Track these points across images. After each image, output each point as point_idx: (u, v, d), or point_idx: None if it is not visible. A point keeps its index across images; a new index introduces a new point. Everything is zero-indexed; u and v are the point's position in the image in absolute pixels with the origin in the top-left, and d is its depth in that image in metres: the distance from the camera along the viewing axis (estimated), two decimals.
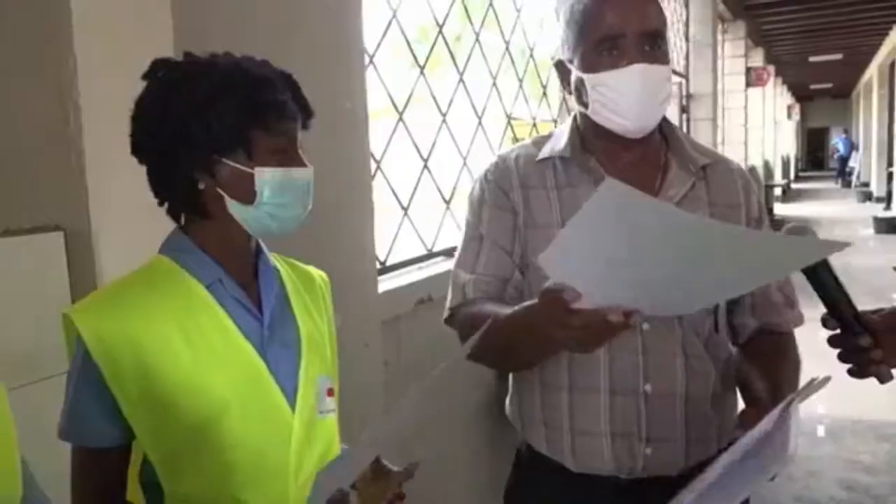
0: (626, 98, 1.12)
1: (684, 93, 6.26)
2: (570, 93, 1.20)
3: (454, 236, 2.70)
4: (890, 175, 12.16)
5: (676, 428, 1.16)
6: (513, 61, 3.22)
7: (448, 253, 2.57)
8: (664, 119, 1.24)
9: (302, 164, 0.93)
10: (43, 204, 1.24)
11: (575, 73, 1.15)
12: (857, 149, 18.96)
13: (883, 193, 12.72)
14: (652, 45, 1.12)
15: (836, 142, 22.32)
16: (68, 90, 1.19)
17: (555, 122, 3.81)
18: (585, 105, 1.16)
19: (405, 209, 2.37)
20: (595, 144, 1.20)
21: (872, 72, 14.86)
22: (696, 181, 1.21)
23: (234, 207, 0.92)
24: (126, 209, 1.26)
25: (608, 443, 1.16)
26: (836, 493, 2.92)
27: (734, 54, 9.19)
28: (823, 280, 0.98)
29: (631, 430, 1.15)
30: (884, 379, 0.99)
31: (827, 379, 0.89)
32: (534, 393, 1.23)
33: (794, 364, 1.21)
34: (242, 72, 0.90)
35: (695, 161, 1.22)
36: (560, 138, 1.23)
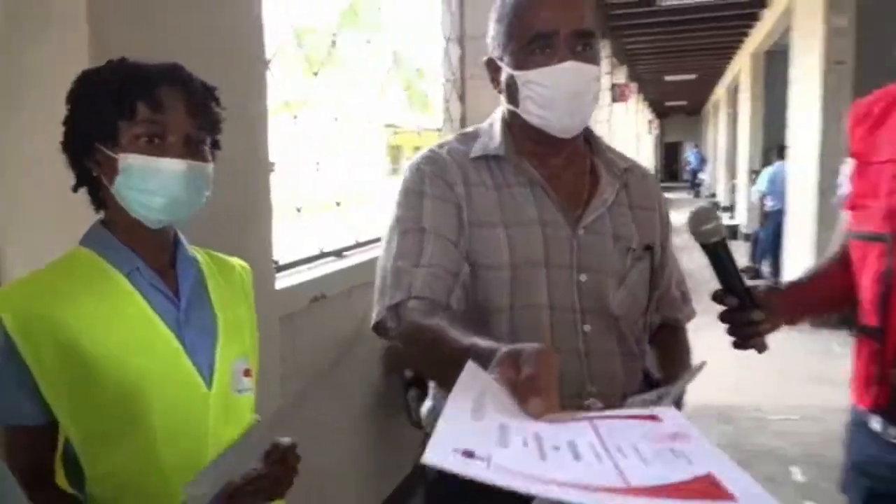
0: (557, 96, 1.11)
1: None
2: (500, 91, 1.18)
3: (344, 238, 2.78)
4: (734, 186, 13.30)
5: None
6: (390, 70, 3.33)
7: (338, 253, 2.66)
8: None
9: (177, 156, 0.98)
10: None
11: (506, 71, 1.14)
12: (706, 162, 20.57)
13: (728, 203, 13.85)
14: (584, 45, 1.11)
15: (689, 155, 24.13)
16: None
17: (438, 131, 3.97)
18: (516, 103, 1.14)
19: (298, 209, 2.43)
20: (525, 145, 1.19)
21: (721, 91, 16.17)
22: (620, 187, 1.23)
23: (113, 192, 0.99)
24: (32, 220, 1.29)
25: None
26: None
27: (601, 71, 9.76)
28: (722, 259, 1.14)
29: None
30: (762, 349, 1.18)
31: (703, 364, 0.99)
32: None
33: (689, 354, 1.29)
34: (128, 69, 1.00)
35: (617, 165, 1.25)
36: (492, 137, 1.21)
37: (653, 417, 0.71)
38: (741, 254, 8.67)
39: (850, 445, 1.34)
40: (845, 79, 5.52)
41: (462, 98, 3.98)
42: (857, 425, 1.31)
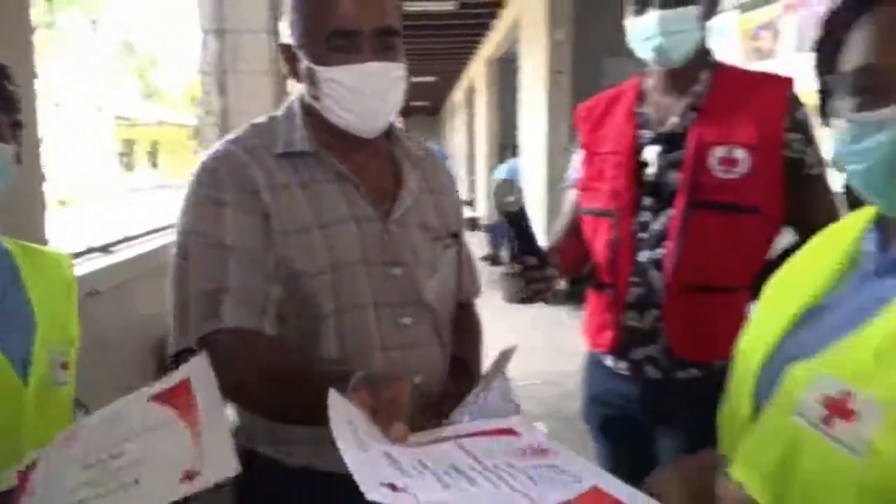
0: (362, 98, 1.07)
1: None
2: (299, 81, 1.13)
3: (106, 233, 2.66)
4: (473, 182, 14.39)
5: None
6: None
7: (104, 249, 2.54)
8: None
9: None
10: None
11: (305, 63, 1.08)
12: (447, 158, 21.92)
13: (468, 197, 14.93)
14: (388, 43, 1.07)
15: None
16: None
17: (193, 125, 3.88)
18: (317, 99, 1.10)
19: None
20: (327, 139, 1.13)
21: (459, 94, 17.36)
22: (420, 176, 1.22)
23: None
24: None
25: None
26: None
27: None
28: (522, 224, 1.32)
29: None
30: (549, 301, 1.39)
31: (514, 348, 1.01)
32: None
33: (478, 330, 1.35)
34: None
35: (415, 153, 1.24)
36: (292, 130, 1.13)
37: (509, 431, 0.74)
38: (482, 243, 9.47)
39: (588, 382, 1.66)
40: (565, 86, 6.33)
41: (223, 92, 3.93)
42: (593, 365, 1.63)
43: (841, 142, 0.76)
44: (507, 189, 1.31)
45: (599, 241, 1.54)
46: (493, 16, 9.30)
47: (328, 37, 1.05)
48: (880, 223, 0.79)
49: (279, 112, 1.18)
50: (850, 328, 0.72)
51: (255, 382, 1.00)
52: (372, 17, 1.05)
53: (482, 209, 11.95)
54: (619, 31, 1.51)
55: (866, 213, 0.83)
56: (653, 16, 1.40)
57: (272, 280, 1.06)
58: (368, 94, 1.08)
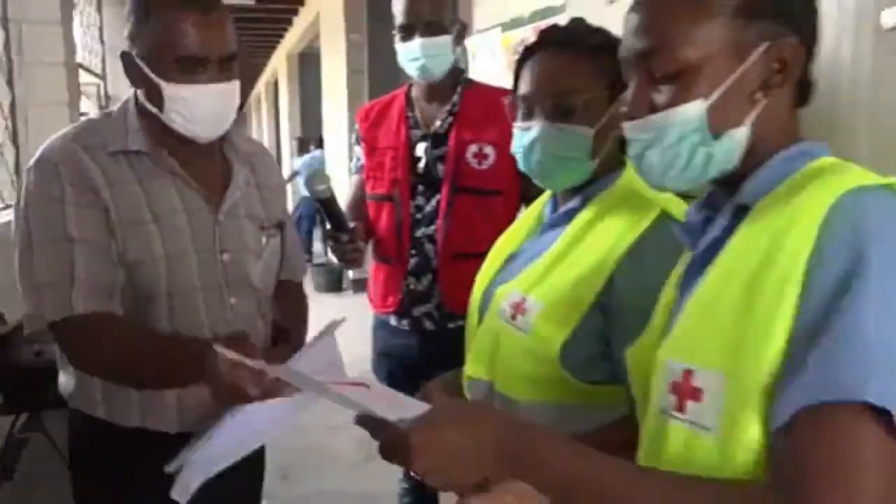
0: (206, 114, 1.22)
1: (103, 93, 6.48)
2: (136, 86, 1.25)
3: None
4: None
5: None
6: None
7: None
8: None
9: None
10: None
11: (150, 76, 1.20)
12: None
13: None
14: (229, 66, 1.23)
15: None
16: None
17: None
18: (160, 108, 1.22)
19: None
20: (161, 139, 1.26)
21: (261, 87, 17.14)
22: (249, 171, 1.38)
23: None
24: None
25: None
26: None
27: None
28: (333, 205, 1.62)
29: None
30: (360, 266, 1.69)
31: (342, 320, 1.21)
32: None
33: (305, 305, 1.51)
34: None
35: (243, 149, 1.39)
36: (128, 131, 1.25)
37: (363, 384, 0.89)
38: None
39: (375, 340, 2.02)
40: (363, 84, 6.66)
41: (10, 83, 3.80)
42: (379, 325, 1.99)
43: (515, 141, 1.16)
44: (319, 178, 1.64)
45: (383, 221, 1.89)
46: (293, 12, 9.42)
47: (178, 59, 1.18)
48: (553, 195, 1.21)
49: (112, 110, 1.31)
50: (529, 262, 1.14)
51: (113, 358, 1.18)
52: (218, 46, 1.21)
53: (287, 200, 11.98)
54: None
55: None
56: (416, 42, 1.77)
57: (117, 269, 1.21)
58: (212, 112, 1.24)
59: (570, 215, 1.14)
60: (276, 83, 14.24)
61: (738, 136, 0.74)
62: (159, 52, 1.19)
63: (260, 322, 1.38)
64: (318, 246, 8.69)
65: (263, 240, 1.38)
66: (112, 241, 1.20)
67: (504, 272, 1.21)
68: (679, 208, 1.06)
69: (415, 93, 1.92)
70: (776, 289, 0.65)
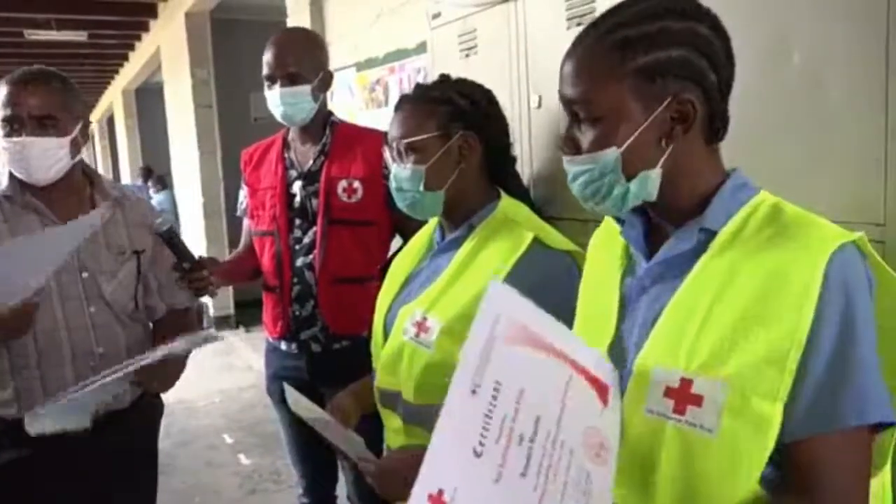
0: (20, 163, 1.55)
1: None
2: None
3: None
4: None
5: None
6: None
7: None
8: (86, 164, 1.71)
9: None
10: None
11: None
12: None
13: None
14: (46, 124, 1.53)
15: None
16: None
17: None
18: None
19: None
20: (29, 185, 1.59)
21: (94, 124, 16.25)
22: (115, 209, 1.68)
23: None
24: None
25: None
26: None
27: None
28: (174, 240, 1.69)
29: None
30: (213, 295, 1.78)
31: (216, 337, 1.50)
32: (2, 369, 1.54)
33: (191, 325, 1.80)
34: None
35: (110, 193, 1.70)
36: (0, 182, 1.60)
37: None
38: None
39: (268, 364, 2.12)
40: (211, 118, 6.61)
41: None
42: (272, 350, 2.10)
43: None
44: (157, 216, 1.73)
45: (266, 254, 2.02)
46: (129, 47, 9.12)
47: (4, 119, 1.53)
48: (440, 224, 1.42)
49: None
50: (426, 284, 1.34)
51: None
52: (32, 107, 1.53)
53: None
54: (260, 70, 1.98)
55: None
56: (276, 91, 1.93)
57: None
58: (24, 160, 1.54)
59: (457, 242, 1.35)
60: (110, 119, 13.60)
61: (652, 177, 0.87)
62: None
63: (119, 329, 1.67)
64: None
65: (119, 263, 1.67)
66: None
67: (403, 293, 1.40)
68: (550, 235, 1.29)
69: (290, 135, 2.06)
70: (789, 317, 0.76)
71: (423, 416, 1.28)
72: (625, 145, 0.85)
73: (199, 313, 1.96)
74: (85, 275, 1.63)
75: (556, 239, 1.30)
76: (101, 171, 15.62)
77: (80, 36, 7.80)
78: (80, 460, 1.60)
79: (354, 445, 1.22)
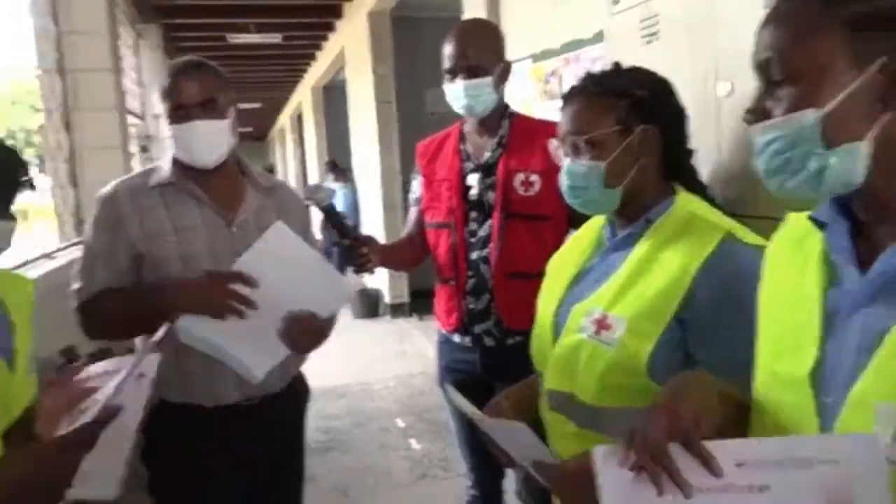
0: (190, 143, 1.65)
1: (143, 134, 6.74)
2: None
3: None
4: None
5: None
6: None
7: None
8: (239, 156, 1.79)
9: None
10: None
11: (164, 122, 1.68)
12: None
13: None
14: (210, 108, 1.65)
15: None
16: None
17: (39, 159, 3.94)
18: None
19: None
20: (190, 172, 1.70)
21: (285, 119, 17.51)
22: (266, 197, 1.77)
23: None
24: None
25: (234, 378, 1.67)
26: (317, 436, 3.94)
27: None
28: (333, 214, 1.77)
29: None
30: (371, 272, 1.86)
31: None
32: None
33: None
34: None
35: (262, 184, 1.79)
36: (163, 170, 1.72)
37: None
38: None
39: (440, 355, 2.15)
40: (391, 114, 6.88)
41: (68, 127, 4.03)
42: (444, 341, 2.13)
43: None
44: (316, 189, 1.82)
45: (441, 246, 2.04)
46: (317, 47, 9.70)
47: (172, 109, 1.65)
48: (610, 220, 1.35)
49: (159, 162, 1.77)
50: (601, 281, 1.28)
51: (107, 314, 1.66)
52: (194, 95, 1.65)
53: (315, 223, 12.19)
54: (436, 64, 2.01)
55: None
56: (459, 84, 1.93)
57: (124, 276, 1.66)
58: (194, 141, 1.66)
59: (633, 238, 1.28)
60: (300, 116, 14.57)
61: (860, 150, 0.73)
62: (165, 104, 1.66)
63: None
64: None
65: None
66: (122, 255, 1.65)
67: (573, 292, 1.34)
68: (741, 230, 1.21)
69: (466, 128, 2.08)
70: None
71: (601, 420, 1.23)
72: (827, 108, 0.73)
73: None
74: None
75: (749, 234, 1.21)
76: (290, 165, 16.86)
77: (276, 38, 8.40)
78: (235, 442, 1.71)
79: (528, 447, 1.18)
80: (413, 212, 2.19)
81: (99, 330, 1.72)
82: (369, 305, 7.16)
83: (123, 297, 1.65)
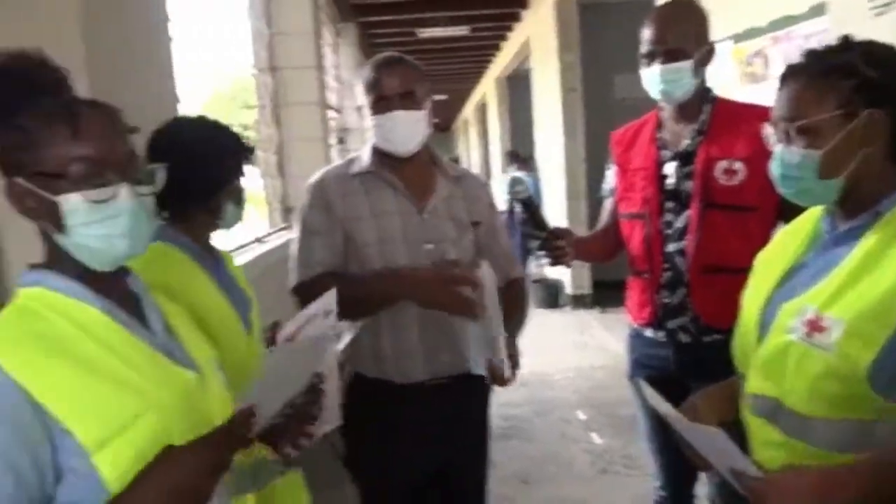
0: (391, 132, 1.74)
1: (340, 126, 7.17)
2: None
3: None
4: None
5: (466, 344, 1.77)
6: None
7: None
8: (430, 146, 1.86)
9: None
10: None
11: (367, 114, 1.77)
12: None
13: None
14: (409, 99, 1.73)
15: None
16: None
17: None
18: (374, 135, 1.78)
19: None
20: (386, 161, 1.79)
21: (469, 110, 17.87)
22: (454, 185, 1.85)
23: None
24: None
25: (422, 358, 1.76)
26: (498, 423, 3.99)
27: None
28: (531, 208, 1.79)
29: (436, 347, 1.76)
30: (568, 265, 1.85)
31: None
32: (363, 335, 1.73)
33: (522, 297, 1.95)
34: None
35: (450, 173, 1.86)
36: (363, 159, 1.82)
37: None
38: None
39: (631, 349, 2.08)
40: (577, 102, 6.77)
41: (277, 122, 4.39)
42: (635, 336, 2.06)
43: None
44: (517, 183, 1.86)
45: (635, 238, 1.97)
46: (502, 38, 9.77)
47: (375, 100, 1.74)
48: (829, 211, 1.23)
49: (359, 152, 1.87)
50: (817, 278, 1.17)
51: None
52: (396, 86, 1.73)
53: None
54: (626, 50, 1.94)
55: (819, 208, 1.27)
56: (656, 68, 1.85)
57: (338, 254, 1.76)
58: (395, 130, 1.74)
59: (856, 232, 1.15)
60: (483, 106, 14.78)
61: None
62: (367, 96, 1.76)
63: None
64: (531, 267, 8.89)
65: (460, 233, 1.81)
66: (335, 234, 1.75)
67: (784, 289, 1.23)
68: None
69: (664, 114, 1.98)
70: None
71: (811, 431, 1.12)
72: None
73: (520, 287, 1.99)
74: (430, 246, 1.77)
75: None
76: (473, 155, 17.21)
77: (463, 30, 8.57)
78: (424, 420, 1.78)
79: (725, 454, 1.11)
80: (607, 203, 2.13)
81: None
82: (549, 296, 7.13)
83: (345, 280, 1.70)
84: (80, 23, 1.58)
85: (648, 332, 1.99)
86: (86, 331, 0.91)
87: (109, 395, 0.87)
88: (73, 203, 0.90)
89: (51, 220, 0.92)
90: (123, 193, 0.92)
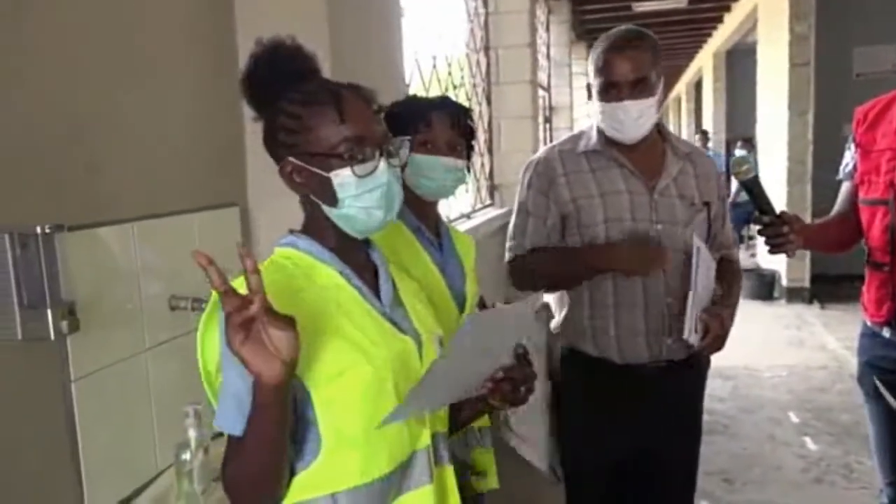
0: (620, 122, 1.67)
1: (547, 104, 7.16)
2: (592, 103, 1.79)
3: None
4: None
5: (683, 325, 1.66)
6: None
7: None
8: (660, 122, 1.78)
9: None
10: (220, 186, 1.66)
11: (595, 97, 1.72)
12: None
13: None
14: (640, 87, 1.63)
15: None
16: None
17: None
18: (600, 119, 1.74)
19: None
20: (613, 141, 1.74)
21: (681, 87, 17.00)
22: (685, 163, 1.78)
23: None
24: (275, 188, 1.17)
25: (644, 340, 1.73)
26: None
27: (581, 72, 10.36)
28: (756, 190, 1.68)
29: (659, 329, 1.73)
30: (791, 254, 1.73)
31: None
32: (583, 309, 1.77)
33: (736, 276, 1.90)
34: None
35: (680, 149, 1.79)
36: (591, 138, 1.78)
37: None
38: None
39: (863, 349, 1.89)
40: (806, 78, 6.19)
41: (489, 100, 4.47)
42: (869, 335, 1.86)
43: None
44: (742, 162, 1.71)
45: (876, 226, 1.78)
46: (725, 9, 9.14)
47: (605, 86, 1.67)
48: None
49: (588, 127, 1.84)
50: None
51: (541, 270, 1.81)
52: (628, 73, 1.64)
53: None
54: (868, 21, 1.72)
55: None
56: None
57: (551, 235, 1.78)
58: (624, 120, 1.68)
59: None
60: (697, 83, 13.98)
61: None
62: (597, 80, 1.69)
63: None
64: (742, 254, 8.34)
65: (691, 214, 1.75)
66: (549, 216, 1.77)
67: None
68: None
69: None
70: None
71: None
72: None
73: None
74: (659, 227, 1.72)
75: None
76: (684, 134, 16.44)
77: (681, 3, 8.14)
78: (641, 398, 1.76)
79: None
80: (845, 186, 1.94)
81: (527, 283, 1.87)
82: (763, 287, 6.64)
83: (554, 255, 1.77)
84: (326, 15, 1.71)
85: (885, 332, 1.79)
86: (322, 289, 1.00)
87: (328, 346, 0.95)
88: (344, 178, 0.98)
89: (323, 194, 1.01)
90: (381, 167, 1.00)
